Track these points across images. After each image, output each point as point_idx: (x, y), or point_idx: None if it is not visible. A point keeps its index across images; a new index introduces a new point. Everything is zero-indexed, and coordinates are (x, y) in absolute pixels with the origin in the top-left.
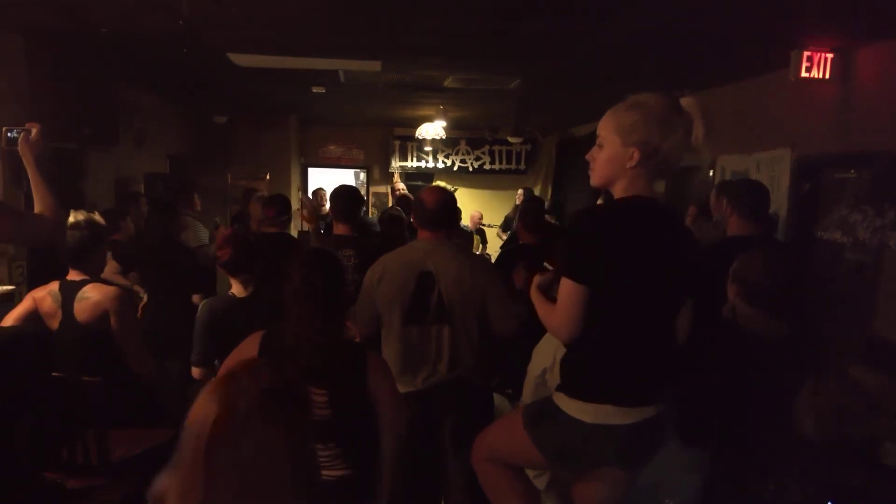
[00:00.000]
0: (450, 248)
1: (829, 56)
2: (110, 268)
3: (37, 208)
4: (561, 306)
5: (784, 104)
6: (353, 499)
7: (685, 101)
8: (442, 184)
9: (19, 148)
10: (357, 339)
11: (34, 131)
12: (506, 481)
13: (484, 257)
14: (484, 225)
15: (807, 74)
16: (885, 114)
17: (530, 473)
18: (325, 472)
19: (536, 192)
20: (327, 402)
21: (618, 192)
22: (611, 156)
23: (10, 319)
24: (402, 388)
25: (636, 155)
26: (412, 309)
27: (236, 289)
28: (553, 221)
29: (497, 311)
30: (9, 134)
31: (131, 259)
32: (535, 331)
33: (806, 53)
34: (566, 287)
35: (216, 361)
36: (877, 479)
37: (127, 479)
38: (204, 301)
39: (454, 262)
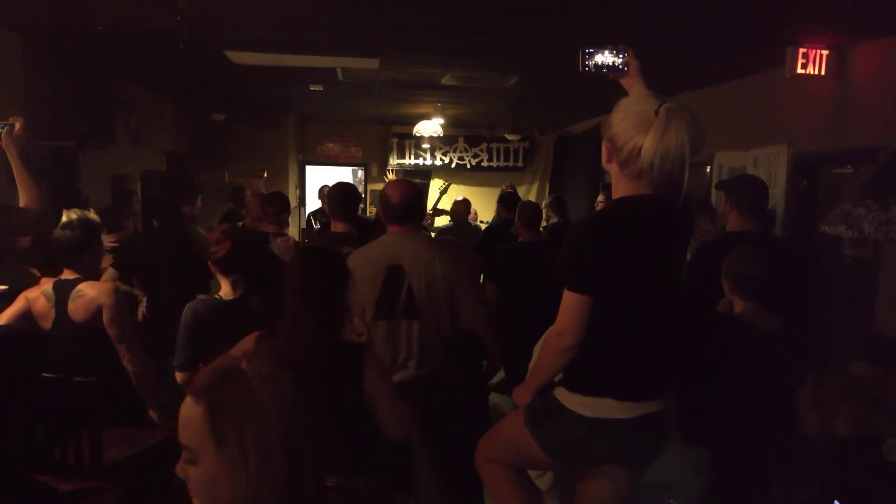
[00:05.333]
0: (419, 241)
1: (825, 53)
2: (109, 275)
3: (22, 202)
4: (564, 315)
5: (780, 101)
6: None
7: (662, 108)
8: (439, 181)
9: (3, 142)
10: (363, 338)
11: (17, 125)
12: (508, 482)
13: (454, 246)
14: (482, 222)
15: (803, 71)
16: (880, 110)
17: (532, 474)
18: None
19: (534, 189)
20: None
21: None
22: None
23: (2, 319)
24: None
25: (605, 151)
26: (381, 304)
27: (224, 290)
28: (556, 219)
29: (465, 302)
30: None
31: (130, 260)
32: (536, 328)
33: (802, 50)
34: (569, 298)
35: (202, 365)
36: (881, 477)
37: (120, 480)
38: (189, 304)
39: (424, 255)
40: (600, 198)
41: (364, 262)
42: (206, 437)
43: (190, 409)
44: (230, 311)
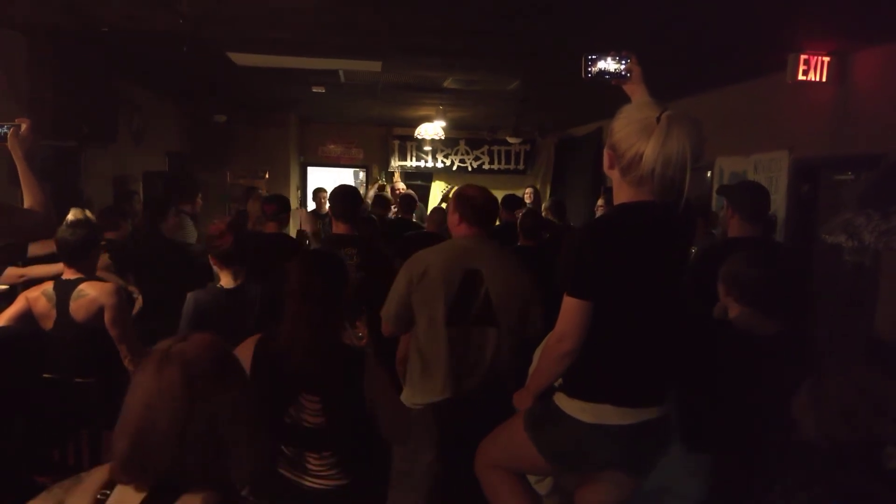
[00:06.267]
0: (494, 246)
1: (826, 59)
2: (101, 262)
3: (26, 203)
4: (565, 320)
5: (782, 106)
6: None
7: (664, 115)
8: (441, 183)
9: (8, 143)
10: (364, 341)
11: (24, 127)
12: (507, 487)
13: (518, 256)
14: None
15: (804, 77)
16: (881, 117)
17: (531, 479)
18: (320, 482)
19: None
20: (321, 409)
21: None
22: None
23: (3, 320)
24: (437, 394)
25: (606, 158)
26: (455, 308)
27: (225, 280)
28: (556, 221)
29: (535, 313)
30: None
31: (126, 258)
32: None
33: (803, 57)
34: (569, 303)
35: None
36: (880, 484)
37: None
38: (190, 293)
39: (501, 261)
40: (600, 201)
41: (443, 263)
42: None
43: None
44: (230, 298)
